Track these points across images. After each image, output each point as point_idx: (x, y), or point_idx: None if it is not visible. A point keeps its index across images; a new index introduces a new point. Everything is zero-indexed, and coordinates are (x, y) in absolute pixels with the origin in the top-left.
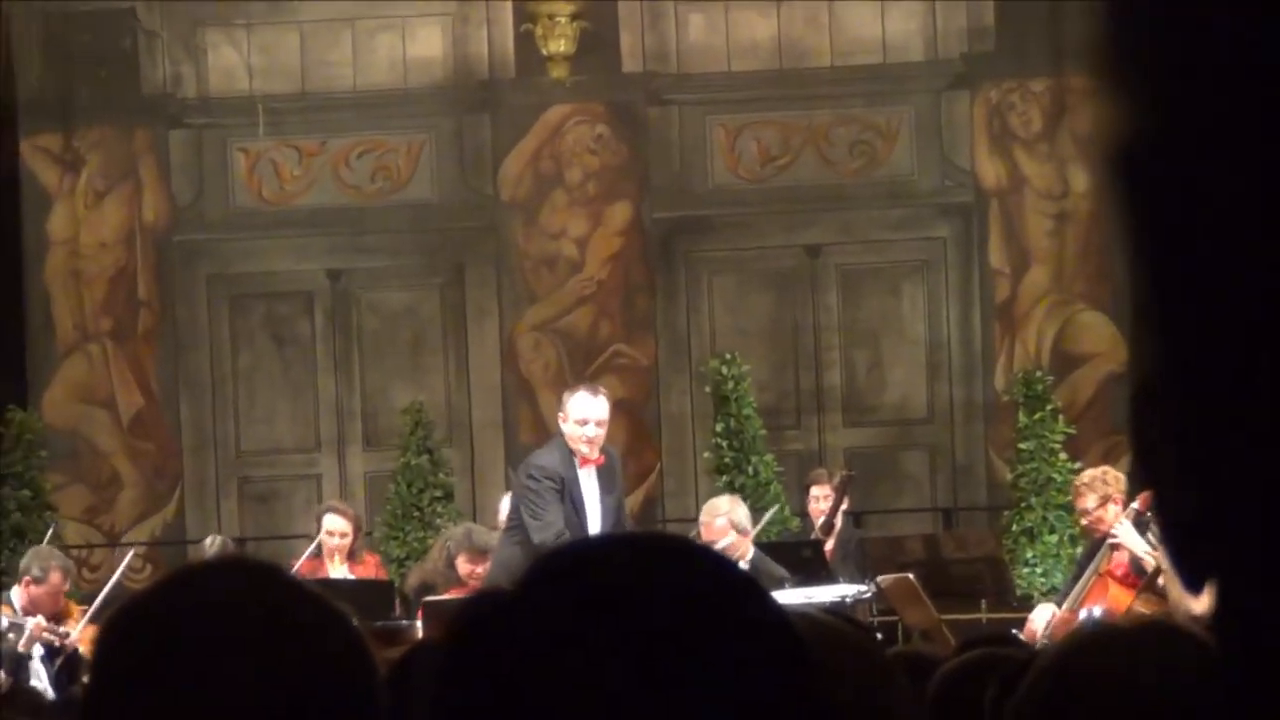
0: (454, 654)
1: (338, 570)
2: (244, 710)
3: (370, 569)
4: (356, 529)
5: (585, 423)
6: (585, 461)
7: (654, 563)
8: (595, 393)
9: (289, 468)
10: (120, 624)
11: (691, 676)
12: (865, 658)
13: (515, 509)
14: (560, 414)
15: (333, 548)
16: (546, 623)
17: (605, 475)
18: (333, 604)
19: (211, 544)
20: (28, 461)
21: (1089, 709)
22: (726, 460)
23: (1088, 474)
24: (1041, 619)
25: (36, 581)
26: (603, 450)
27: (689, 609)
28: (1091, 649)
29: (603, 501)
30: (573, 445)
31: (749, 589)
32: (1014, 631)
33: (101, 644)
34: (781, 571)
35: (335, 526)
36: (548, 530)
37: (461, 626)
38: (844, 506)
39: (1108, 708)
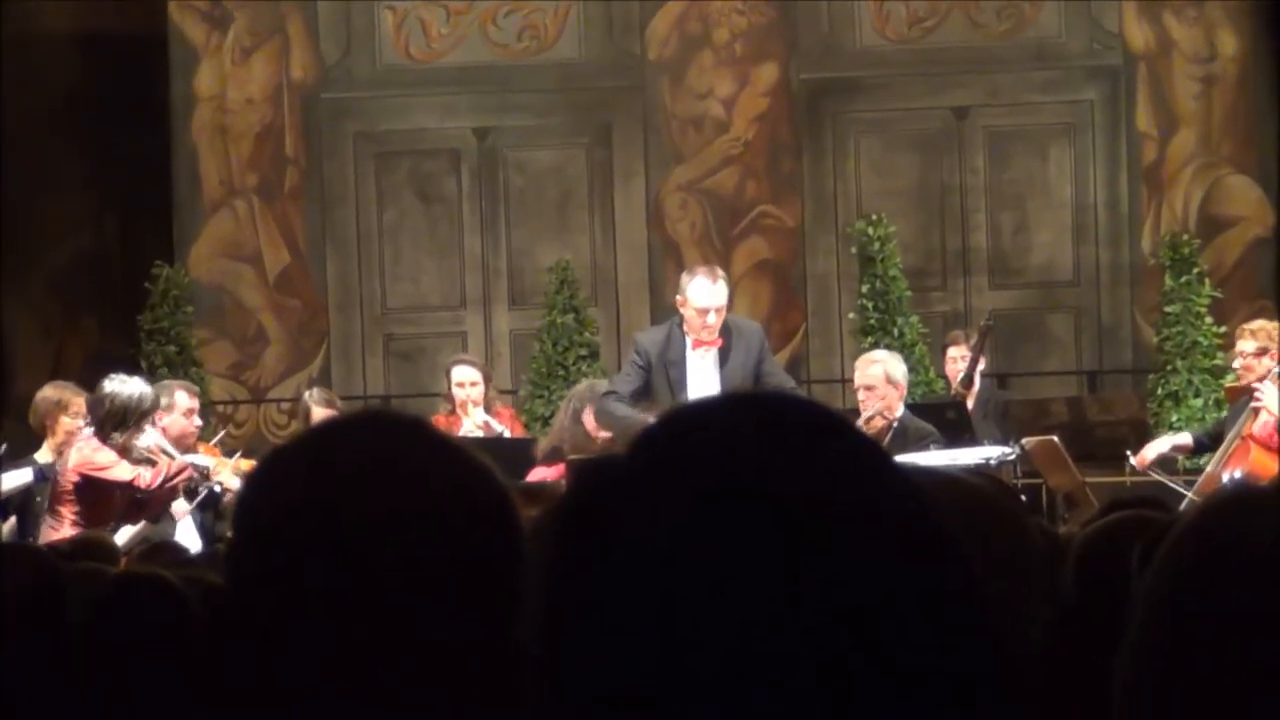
0: (565, 528)
1: (475, 419)
2: (388, 566)
3: (505, 420)
4: (487, 379)
5: (705, 311)
6: (699, 344)
7: (775, 432)
8: (715, 279)
9: (434, 325)
10: (263, 480)
11: (813, 554)
12: (1008, 522)
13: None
14: (678, 296)
15: (465, 399)
16: (657, 499)
17: (731, 354)
18: (477, 459)
19: (310, 396)
20: (174, 318)
21: (1228, 571)
22: (872, 321)
23: (1256, 322)
24: (1154, 449)
25: (165, 410)
26: (724, 330)
27: (812, 479)
28: (1232, 510)
29: (723, 381)
30: (688, 329)
31: (876, 458)
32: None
33: (245, 499)
34: (929, 429)
35: (465, 377)
36: (610, 394)
37: (572, 499)
38: (982, 360)
39: (1248, 570)
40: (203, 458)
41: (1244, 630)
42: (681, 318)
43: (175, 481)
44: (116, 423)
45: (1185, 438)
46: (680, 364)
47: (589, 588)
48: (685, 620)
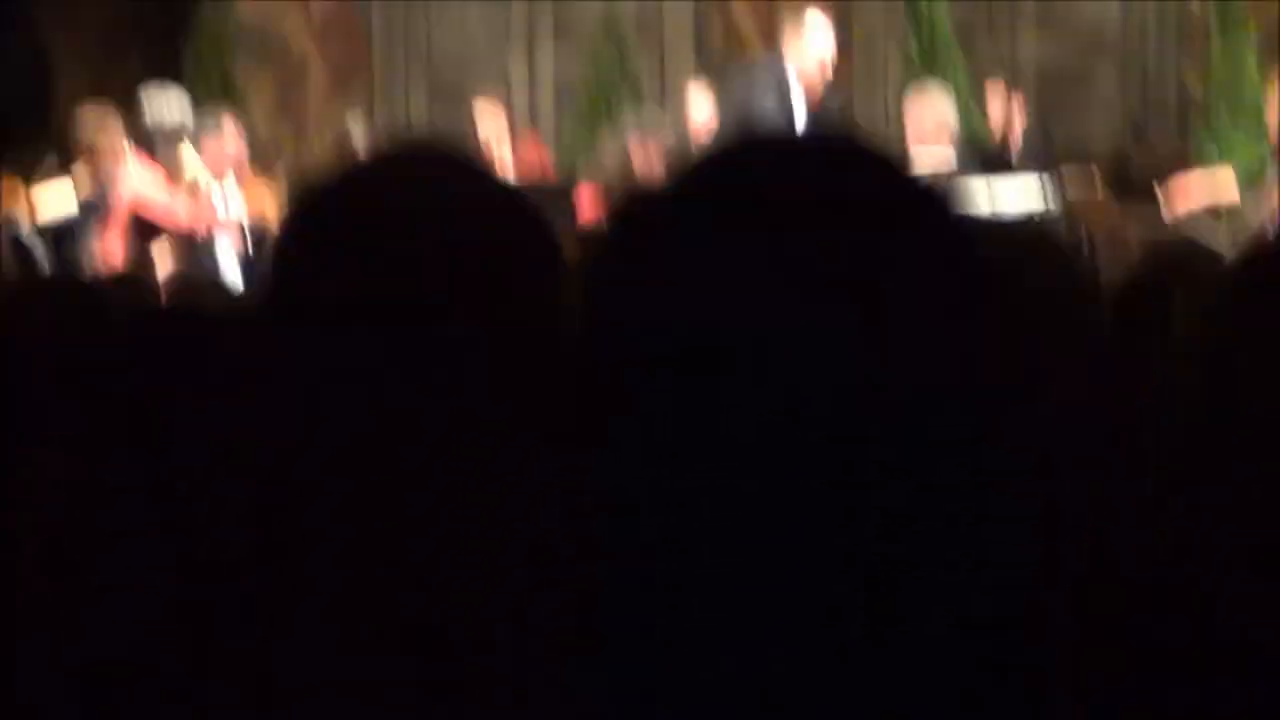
0: (602, 253)
1: (499, 156)
2: (430, 305)
3: (532, 151)
4: (509, 112)
5: (826, 47)
6: (810, 83)
7: (823, 164)
8: (828, 16)
9: (478, 68)
10: (303, 214)
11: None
12: (1052, 264)
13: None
14: (789, 32)
15: (488, 135)
16: (697, 225)
17: (818, 115)
18: (525, 197)
19: (354, 123)
20: (218, 51)
21: (1269, 317)
22: (918, 70)
23: None
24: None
25: (213, 135)
26: (827, 99)
27: (859, 217)
28: (1272, 255)
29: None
30: (803, 65)
31: (929, 196)
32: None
33: (284, 233)
34: (973, 170)
35: (486, 112)
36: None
37: (611, 224)
38: (1019, 114)
39: None
40: (238, 204)
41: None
42: (783, 58)
43: (213, 226)
44: (159, 136)
45: (1227, 177)
46: (789, 99)
47: (621, 315)
48: (718, 362)
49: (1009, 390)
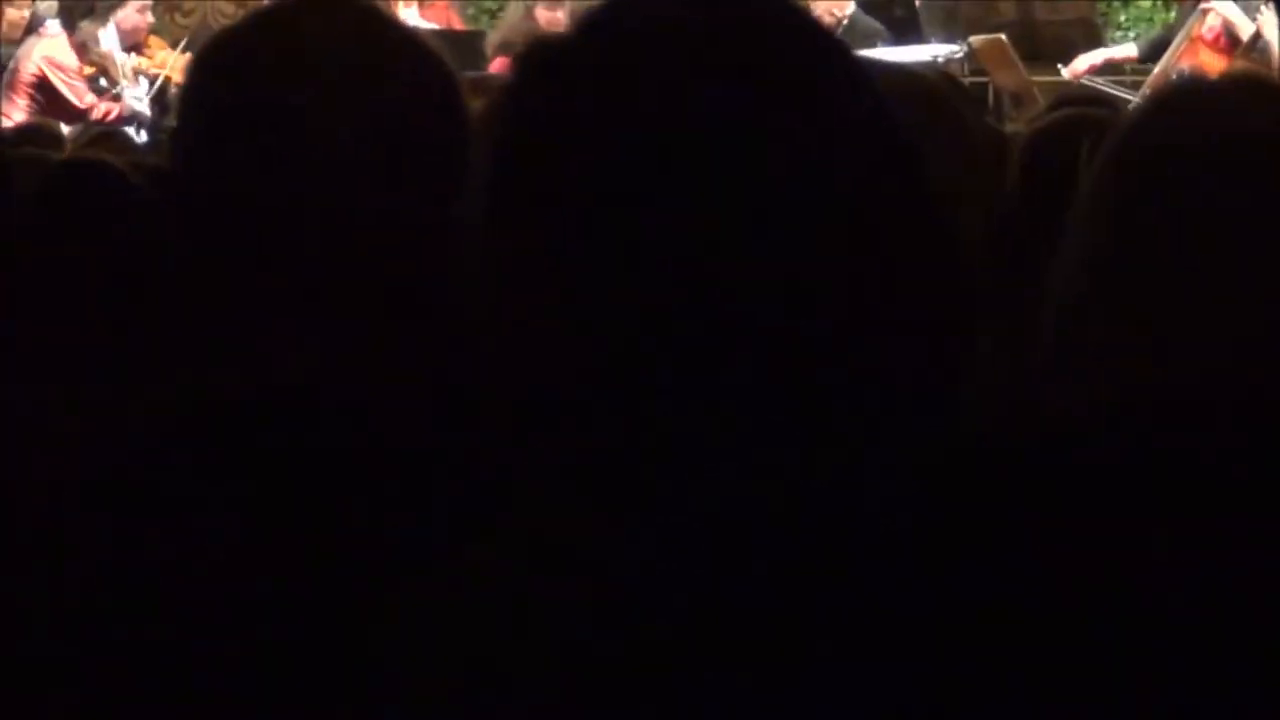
0: (511, 94)
1: (408, 13)
2: (335, 151)
3: (440, 12)
4: None
5: None
6: None
7: (728, 14)
8: None
9: None
10: (210, 60)
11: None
12: (949, 115)
13: None
14: None
15: None
16: (601, 68)
17: None
18: (426, 43)
19: None
20: None
21: (1175, 164)
22: None
23: None
24: (1086, 59)
25: (119, 3)
26: None
27: (765, 66)
28: (1179, 104)
29: None
30: None
31: (831, 47)
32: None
33: (190, 82)
34: (878, 27)
35: None
36: None
37: (519, 68)
38: None
39: (1194, 163)
40: (144, 90)
41: (1188, 223)
42: None
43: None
44: (85, 10)
45: (1128, 49)
46: None
47: (529, 163)
48: (622, 202)
49: (910, 236)
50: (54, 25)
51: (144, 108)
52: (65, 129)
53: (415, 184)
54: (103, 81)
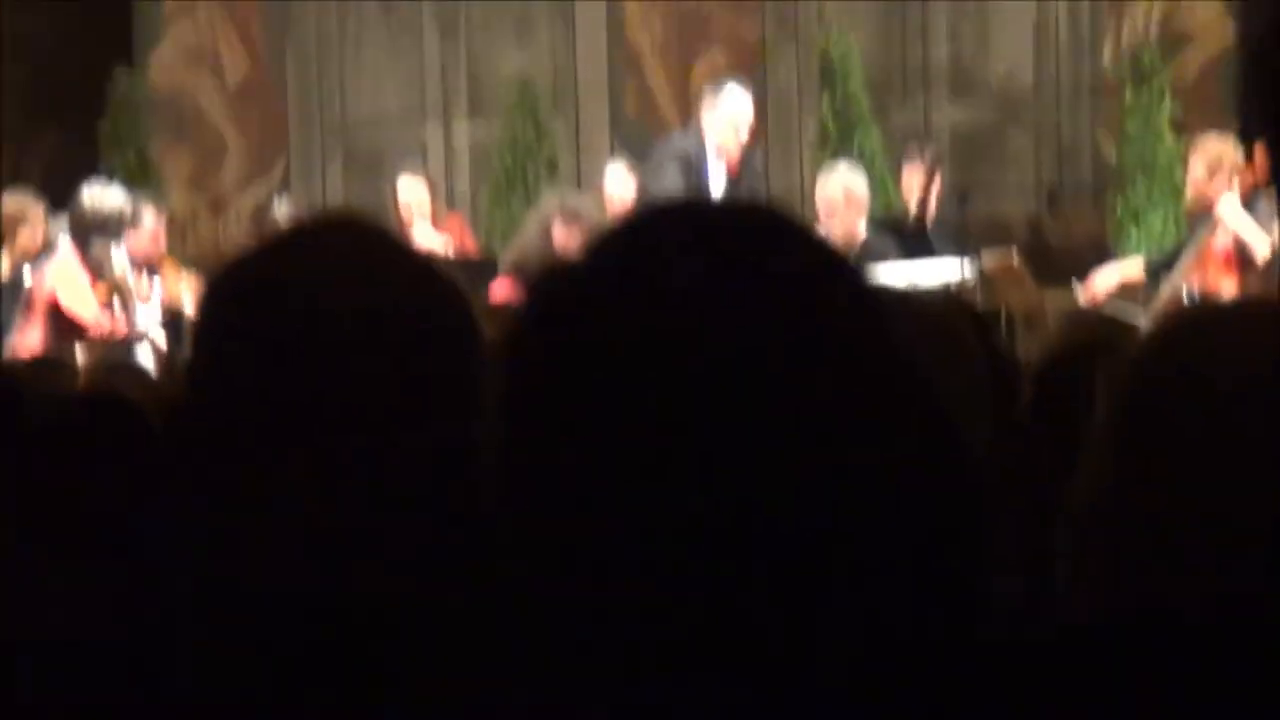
0: (520, 324)
1: (421, 233)
2: (348, 374)
3: (455, 229)
4: (433, 191)
5: (739, 120)
6: (725, 155)
7: (738, 237)
8: (746, 88)
9: (394, 136)
10: (222, 288)
11: (770, 365)
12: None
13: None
14: (707, 103)
15: (410, 212)
16: (613, 295)
17: (737, 186)
18: (441, 269)
19: (279, 204)
20: (134, 125)
21: (1186, 388)
22: (832, 135)
23: (1207, 142)
24: (1104, 282)
25: (133, 228)
26: (744, 159)
27: (771, 283)
28: (1190, 328)
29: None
30: (718, 138)
31: (841, 271)
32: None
33: (204, 307)
34: (889, 246)
35: (409, 189)
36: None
37: (532, 297)
38: (935, 187)
39: (1206, 387)
40: (156, 307)
41: (1199, 446)
42: (701, 130)
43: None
44: (96, 230)
45: (1135, 265)
46: (704, 172)
47: (542, 388)
48: (636, 425)
49: (925, 464)
50: (65, 245)
51: (157, 330)
52: (80, 353)
53: (430, 413)
54: (116, 301)
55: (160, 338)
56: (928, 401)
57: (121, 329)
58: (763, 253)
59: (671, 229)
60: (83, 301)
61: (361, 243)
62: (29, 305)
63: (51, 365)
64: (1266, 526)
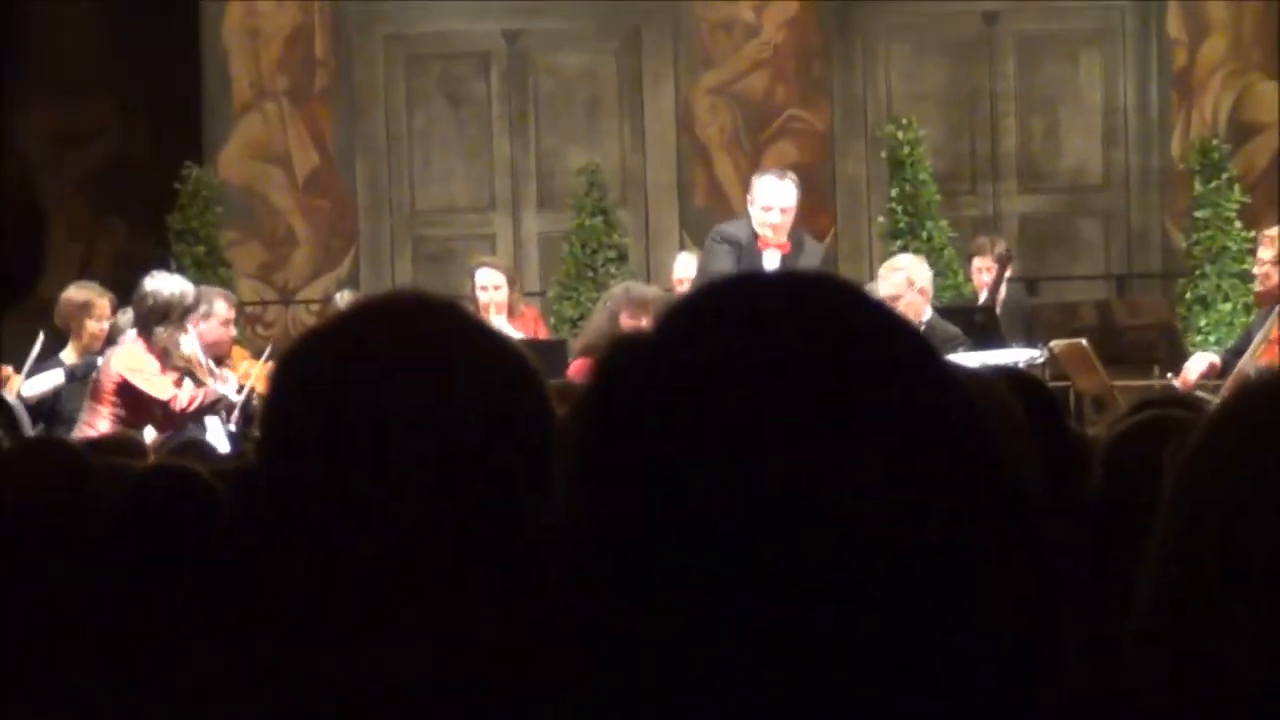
0: (590, 397)
1: (498, 321)
2: (420, 453)
3: (529, 322)
4: (511, 282)
5: (770, 209)
6: (766, 244)
7: (810, 312)
8: (781, 177)
9: (463, 228)
10: (292, 368)
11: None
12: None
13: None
14: (748, 196)
15: (488, 302)
16: (680, 374)
17: (793, 262)
18: (514, 346)
19: (341, 298)
20: (203, 218)
21: (1257, 459)
22: (901, 225)
23: (1275, 228)
24: (1196, 367)
25: (204, 317)
26: (795, 239)
27: (843, 352)
28: (1258, 399)
29: None
30: (757, 228)
31: (916, 347)
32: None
33: (274, 388)
34: (956, 332)
35: (488, 280)
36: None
37: (599, 370)
38: (1006, 279)
39: (1269, 462)
40: (232, 384)
41: (1271, 516)
42: (749, 218)
43: (206, 406)
44: (159, 318)
45: (1213, 358)
46: (756, 263)
47: (610, 462)
48: (705, 497)
49: (991, 538)
50: (131, 334)
51: (232, 394)
52: (150, 436)
53: (500, 490)
54: (188, 382)
55: (235, 409)
56: (1005, 472)
57: (195, 395)
58: (834, 325)
59: (745, 301)
60: (154, 381)
61: (433, 321)
62: (96, 394)
63: (120, 443)
64: None
